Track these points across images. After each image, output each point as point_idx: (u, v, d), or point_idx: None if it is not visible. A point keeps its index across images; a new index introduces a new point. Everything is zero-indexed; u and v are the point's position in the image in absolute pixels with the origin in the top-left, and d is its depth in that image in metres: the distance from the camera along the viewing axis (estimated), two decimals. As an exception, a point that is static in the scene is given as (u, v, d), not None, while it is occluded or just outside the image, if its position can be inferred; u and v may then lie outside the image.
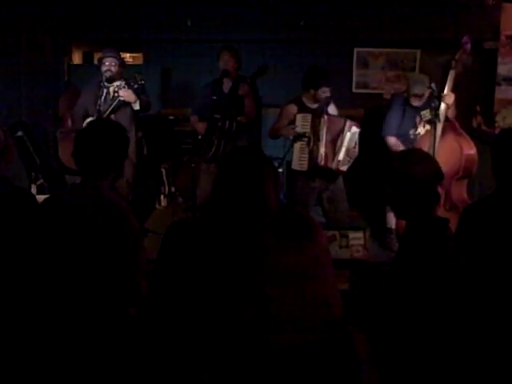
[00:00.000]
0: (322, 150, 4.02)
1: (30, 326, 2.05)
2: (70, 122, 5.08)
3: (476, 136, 4.48)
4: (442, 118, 3.83)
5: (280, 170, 4.47)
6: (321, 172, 4.13)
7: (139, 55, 6.63)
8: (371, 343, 1.77)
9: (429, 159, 2.05)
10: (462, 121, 4.25)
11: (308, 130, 4.07)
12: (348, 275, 2.50)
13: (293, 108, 4.19)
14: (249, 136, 4.55)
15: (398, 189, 1.97)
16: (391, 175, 2.00)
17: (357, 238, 2.87)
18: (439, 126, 3.83)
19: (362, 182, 5.31)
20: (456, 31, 5.09)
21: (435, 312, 1.82)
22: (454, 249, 1.90)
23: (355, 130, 4.04)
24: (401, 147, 4.20)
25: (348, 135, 4.02)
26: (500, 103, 5.55)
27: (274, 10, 5.77)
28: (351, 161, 4.07)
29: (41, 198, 2.36)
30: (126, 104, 4.46)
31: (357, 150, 4.07)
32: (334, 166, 4.04)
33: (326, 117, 4.04)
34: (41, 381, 1.99)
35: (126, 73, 4.63)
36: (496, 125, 5.25)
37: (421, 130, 4.25)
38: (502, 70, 5.58)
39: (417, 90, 4.16)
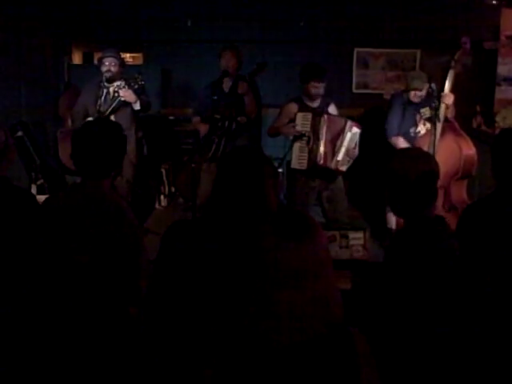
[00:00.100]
0: (322, 150, 4.02)
1: (31, 327, 2.05)
2: (69, 121, 5.08)
3: (476, 136, 4.48)
4: (441, 118, 3.83)
5: (280, 170, 4.47)
6: (320, 172, 4.13)
7: (139, 55, 6.63)
8: (371, 343, 1.78)
9: (425, 158, 2.05)
10: (462, 121, 4.25)
11: (308, 129, 4.08)
12: (350, 275, 2.50)
13: (293, 107, 4.20)
14: (249, 136, 4.54)
15: (393, 186, 1.99)
16: (387, 173, 2.01)
17: (357, 238, 2.87)
18: (439, 126, 3.83)
19: (362, 182, 5.31)
20: (456, 31, 5.09)
21: (433, 311, 1.82)
22: (453, 247, 1.90)
23: (356, 130, 4.05)
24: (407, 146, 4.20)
25: (348, 135, 4.02)
26: (500, 103, 5.55)
27: (274, 9, 5.77)
28: (351, 161, 4.07)
29: (41, 198, 2.36)
30: (127, 104, 4.46)
31: (357, 150, 4.07)
32: (333, 165, 4.04)
33: (326, 116, 4.05)
34: (41, 381, 1.99)
35: (126, 73, 4.63)
36: (496, 125, 5.25)
37: (421, 129, 4.25)
38: (502, 70, 5.58)
39: (415, 84, 4.16)
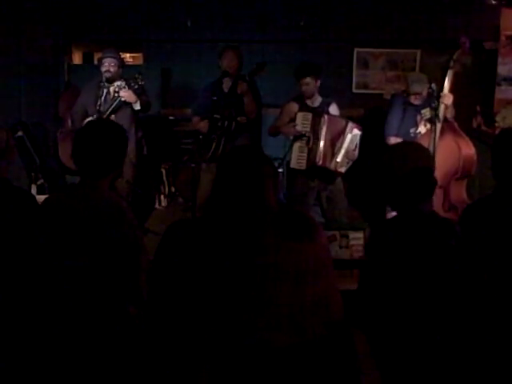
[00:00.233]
0: (321, 150, 4.01)
1: (30, 327, 2.05)
2: (69, 122, 5.08)
3: (476, 136, 4.48)
4: (440, 118, 3.83)
5: (280, 170, 4.47)
6: (319, 172, 4.13)
7: (139, 55, 6.63)
8: (371, 344, 1.78)
9: (418, 154, 2.03)
10: (461, 121, 4.25)
11: (308, 128, 4.08)
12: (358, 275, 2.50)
13: (294, 106, 4.20)
14: (249, 135, 4.54)
15: (387, 180, 2.00)
16: (381, 167, 2.02)
17: (357, 238, 2.87)
18: (438, 126, 3.83)
19: (361, 182, 5.31)
20: (456, 31, 5.09)
21: (424, 306, 1.83)
22: (446, 242, 1.90)
23: (356, 132, 4.03)
24: None
25: (349, 137, 4.01)
26: (500, 103, 5.55)
27: (274, 10, 5.77)
28: (350, 163, 4.05)
29: (41, 198, 2.36)
30: (127, 104, 4.46)
31: (356, 152, 4.05)
32: (332, 166, 4.03)
33: (326, 116, 4.04)
34: (41, 380, 1.99)
35: (126, 73, 4.63)
36: (496, 125, 5.25)
37: (421, 129, 4.25)
38: (502, 70, 5.59)
39: (416, 88, 4.16)
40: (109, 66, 4.47)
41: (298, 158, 4.14)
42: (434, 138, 3.80)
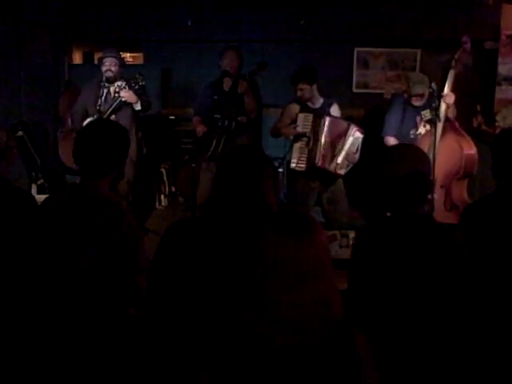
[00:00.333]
0: (321, 151, 4.01)
1: (30, 327, 2.05)
2: (69, 121, 5.09)
3: (476, 136, 4.48)
4: (442, 117, 3.83)
5: (280, 170, 4.47)
6: (319, 174, 4.12)
7: (139, 55, 6.63)
8: (372, 344, 1.78)
9: (412, 157, 1.99)
10: (462, 121, 4.24)
11: (308, 129, 4.07)
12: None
13: (295, 107, 4.20)
14: (249, 135, 4.54)
15: (380, 182, 1.99)
16: (375, 168, 2.01)
17: (357, 237, 2.87)
18: (439, 126, 3.82)
19: (362, 182, 5.31)
20: (456, 31, 5.09)
21: (431, 307, 1.82)
22: (438, 246, 1.89)
23: (358, 135, 4.01)
24: None
25: (350, 139, 3.99)
26: (500, 103, 5.55)
27: (274, 9, 5.77)
28: (350, 166, 4.03)
29: (41, 197, 2.36)
30: (127, 104, 4.46)
31: (357, 155, 4.02)
32: (331, 168, 4.02)
33: (328, 118, 4.02)
34: (40, 380, 1.99)
35: (126, 73, 4.63)
36: (496, 125, 5.25)
37: (421, 130, 4.24)
38: (503, 69, 5.58)
39: (417, 89, 4.15)
40: (110, 65, 4.47)
41: (298, 159, 4.14)
42: (435, 139, 3.79)
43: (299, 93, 4.12)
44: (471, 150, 3.88)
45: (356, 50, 6.06)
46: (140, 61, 6.56)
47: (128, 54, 6.75)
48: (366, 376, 1.65)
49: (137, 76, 4.45)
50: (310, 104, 4.20)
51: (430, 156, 3.58)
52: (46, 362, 1.98)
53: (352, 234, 2.86)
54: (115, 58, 4.52)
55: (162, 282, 1.66)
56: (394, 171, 1.94)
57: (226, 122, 4.28)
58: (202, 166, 4.42)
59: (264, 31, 5.84)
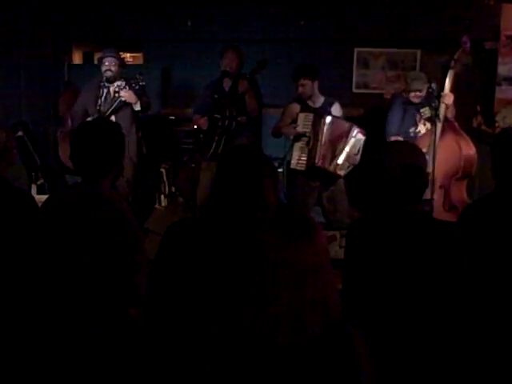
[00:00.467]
0: (321, 150, 3.99)
1: (30, 327, 2.05)
2: (69, 121, 5.09)
3: (476, 136, 4.48)
4: (441, 117, 3.83)
5: (280, 170, 4.47)
6: (319, 174, 4.11)
7: (139, 55, 6.64)
8: (371, 343, 1.78)
9: (404, 151, 1.99)
10: (462, 121, 4.25)
11: (309, 129, 4.06)
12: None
13: (296, 107, 4.19)
14: (249, 135, 4.54)
15: (375, 180, 1.99)
16: (371, 165, 2.01)
17: (357, 237, 2.86)
18: (439, 126, 3.82)
19: (362, 182, 5.31)
20: (456, 31, 5.09)
21: (429, 306, 1.83)
22: (431, 244, 1.89)
23: (360, 137, 3.95)
24: None
25: (352, 141, 3.94)
26: (500, 103, 5.55)
27: (274, 9, 5.77)
28: (351, 167, 4.00)
29: (41, 197, 2.36)
30: (127, 104, 4.46)
31: (358, 157, 3.97)
32: (331, 168, 3.99)
33: (328, 117, 4.00)
34: (40, 380, 1.99)
35: (126, 73, 4.63)
36: (496, 125, 5.25)
37: (421, 128, 4.24)
38: (502, 70, 5.59)
39: (416, 85, 4.14)
40: (110, 65, 4.47)
41: (298, 158, 4.13)
42: (435, 138, 3.79)
43: (300, 89, 4.10)
44: (470, 150, 3.88)
45: (356, 50, 6.07)
46: (140, 61, 6.56)
47: (128, 54, 6.76)
48: (366, 376, 1.65)
49: (137, 76, 4.45)
50: (310, 103, 4.18)
51: (430, 156, 3.59)
52: (46, 360, 1.99)
53: (352, 235, 2.85)
54: (115, 57, 4.51)
55: (162, 282, 1.66)
56: (386, 164, 1.94)
57: (226, 121, 4.28)
58: (202, 165, 4.41)
59: (264, 31, 5.84)
